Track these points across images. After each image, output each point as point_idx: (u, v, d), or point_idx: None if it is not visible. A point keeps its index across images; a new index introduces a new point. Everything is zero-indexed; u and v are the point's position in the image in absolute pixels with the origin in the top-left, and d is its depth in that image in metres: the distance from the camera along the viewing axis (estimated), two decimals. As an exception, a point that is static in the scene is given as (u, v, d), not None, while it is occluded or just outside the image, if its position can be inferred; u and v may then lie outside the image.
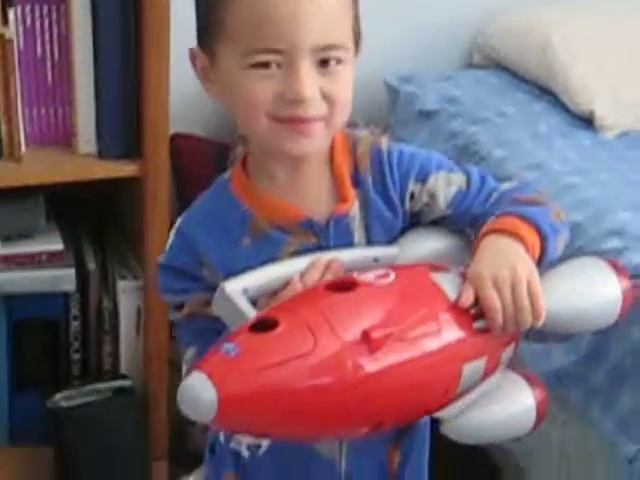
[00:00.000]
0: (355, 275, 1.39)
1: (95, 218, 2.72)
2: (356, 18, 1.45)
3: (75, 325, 2.61)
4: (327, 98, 1.40)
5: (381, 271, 1.41)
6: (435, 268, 1.42)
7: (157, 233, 2.51)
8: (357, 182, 1.50)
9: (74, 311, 2.60)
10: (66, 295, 2.58)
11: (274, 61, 1.37)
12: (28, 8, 2.39)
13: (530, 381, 1.49)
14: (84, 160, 2.48)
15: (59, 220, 2.59)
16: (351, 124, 1.62)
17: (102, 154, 2.47)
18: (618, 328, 1.78)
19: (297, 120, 1.40)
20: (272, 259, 1.47)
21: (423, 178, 1.49)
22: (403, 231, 1.53)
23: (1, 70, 2.38)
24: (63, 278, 2.55)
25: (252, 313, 1.33)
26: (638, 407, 2.07)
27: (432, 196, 1.49)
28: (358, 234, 1.51)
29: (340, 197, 1.50)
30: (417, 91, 2.81)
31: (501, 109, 2.82)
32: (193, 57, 1.49)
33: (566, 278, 1.48)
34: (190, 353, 1.55)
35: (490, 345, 1.40)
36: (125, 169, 2.48)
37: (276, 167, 1.49)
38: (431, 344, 1.33)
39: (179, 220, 1.57)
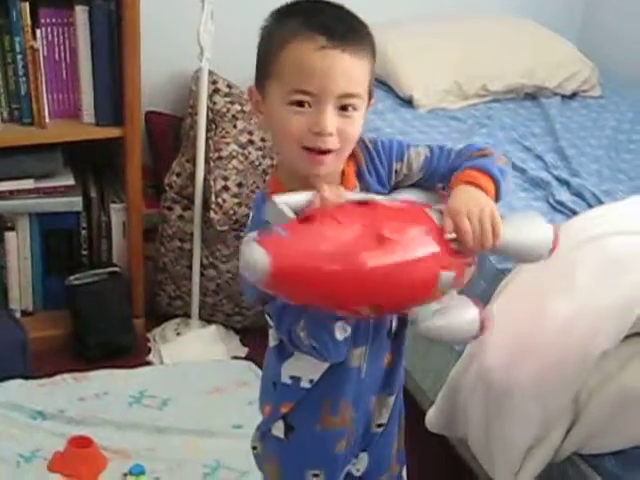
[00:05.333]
0: (375, 198, 1.32)
1: (95, 164, 2.75)
2: (371, 82, 1.36)
3: (83, 233, 2.68)
4: (341, 135, 1.30)
5: (393, 199, 1.37)
6: (427, 207, 1.35)
7: (134, 173, 2.59)
8: (361, 176, 1.41)
9: (82, 224, 2.67)
10: (77, 214, 2.65)
11: (307, 101, 1.29)
12: (49, 29, 2.46)
13: (475, 302, 1.39)
14: (87, 127, 2.56)
15: (72, 166, 2.65)
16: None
17: (99, 123, 2.55)
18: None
19: (317, 150, 1.31)
20: None
21: (401, 157, 1.41)
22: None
23: (32, 69, 2.45)
24: (74, 203, 2.62)
25: (292, 215, 1.24)
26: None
27: (409, 167, 1.41)
28: None
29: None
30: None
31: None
32: (250, 94, 1.40)
33: (520, 220, 1.40)
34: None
35: (459, 262, 1.33)
36: (113, 132, 2.55)
37: (298, 180, 1.35)
38: (421, 250, 1.27)
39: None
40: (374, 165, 1.41)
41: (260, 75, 1.36)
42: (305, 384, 1.47)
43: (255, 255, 1.17)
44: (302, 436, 1.52)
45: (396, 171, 1.41)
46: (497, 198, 1.34)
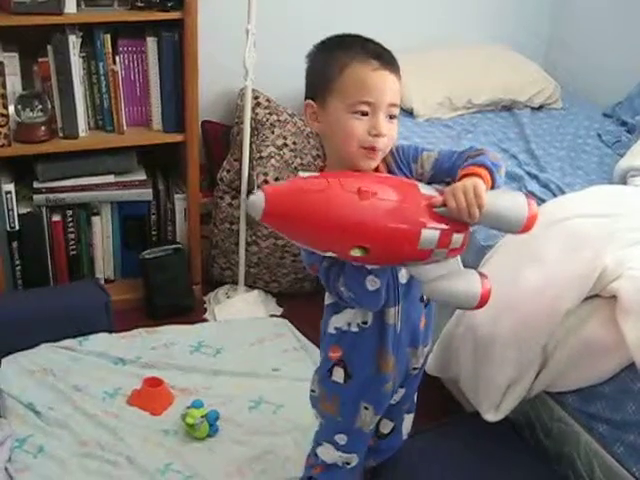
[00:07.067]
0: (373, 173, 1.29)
1: (163, 163, 2.70)
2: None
3: (153, 217, 2.66)
4: (387, 137, 1.32)
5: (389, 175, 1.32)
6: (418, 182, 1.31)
7: (193, 170, 2.55)
8: (391, 173, 1.38)
9: (152, 210, 2.65)
10: (148, 202, 2.62)
11: (366, 110, 1.29)
12: (126, 55, 2.43)
13: (482, 275, 1.30)
14: (156, 133, 2.52)
15: (144, 164, 2.61)
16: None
17: (165, 130, 2.51)
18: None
19: (372, 148, 1.30)
20: None
21: (416, 159, 1.38)
22: None
23: (112, 88, 2.43)
24: (146, 194, 2.59)
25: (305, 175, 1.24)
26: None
27: (422, 166, 1.38)
28: None
29: None
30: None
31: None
32: (306, 107, 1.36)
33: (501, 194, 1.29)
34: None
35: (442, 226, 1.24)
36: (176, 137, 2.51)
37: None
38: (402, 207, 1.22)
39: None
40: (398, 164, 1.40)
41: (319, 91, 1.34)
42: (354, 328, 1.46)
43: (256, 197, 1.16)
44: (359, 380, 1.52)
45: (415, 170, 1.39)
46: (493, 183, 1.30)
